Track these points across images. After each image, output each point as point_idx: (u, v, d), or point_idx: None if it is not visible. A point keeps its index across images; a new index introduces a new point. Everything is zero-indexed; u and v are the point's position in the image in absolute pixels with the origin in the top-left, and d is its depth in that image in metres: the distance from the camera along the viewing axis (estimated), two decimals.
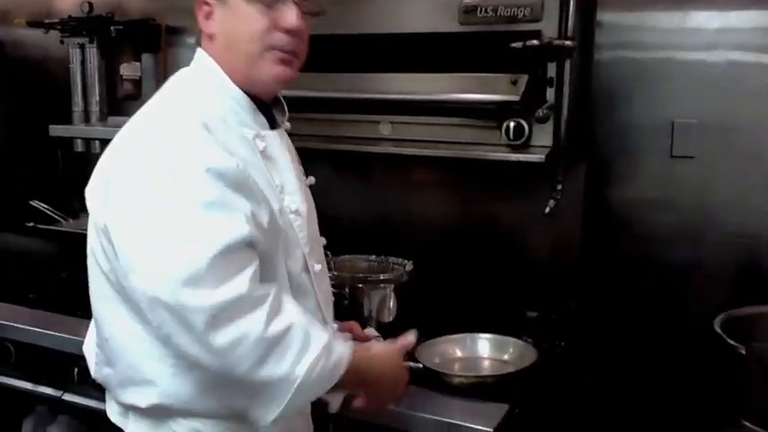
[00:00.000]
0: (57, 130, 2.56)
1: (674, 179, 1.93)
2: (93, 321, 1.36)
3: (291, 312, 1.16)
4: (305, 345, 1.13)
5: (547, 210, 1.78)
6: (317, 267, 1.34)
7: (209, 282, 1.07)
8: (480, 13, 1.70)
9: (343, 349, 1.21)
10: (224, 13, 1.25)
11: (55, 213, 2.62)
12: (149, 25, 2.62)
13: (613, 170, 1.99)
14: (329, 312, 1.41)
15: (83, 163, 2.80)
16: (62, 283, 2.32)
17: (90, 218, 1.27)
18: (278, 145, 1.32)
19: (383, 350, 1.41)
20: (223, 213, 1.12)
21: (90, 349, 1.38)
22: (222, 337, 1.08)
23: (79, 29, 2.62)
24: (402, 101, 1.83)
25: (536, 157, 1.71)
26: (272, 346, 1.11)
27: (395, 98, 1.82)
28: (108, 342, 1.28)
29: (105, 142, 2.60)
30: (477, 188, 2.12)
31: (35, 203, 2.61)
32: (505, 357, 1.74)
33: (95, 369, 1.35)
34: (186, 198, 1.11)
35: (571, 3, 1.66)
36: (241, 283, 1.10)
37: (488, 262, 2.10)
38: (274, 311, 1.12)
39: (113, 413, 1.33)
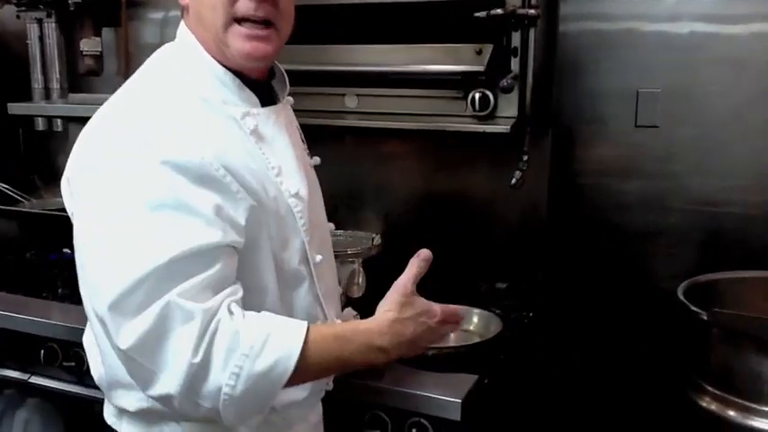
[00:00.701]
0: (16, 108, 2.48)
1: (639, 148, 1.95)
2: None
3: (224, 327, 1.01)
4: (228, 356, 1.00)
5: (513, 181, 1.78)
6: (318, 258, 1.22)
7: (132, 306, 0.98)
8: None
9: (283, 344, 1.04)
10: None
11: (17, 194, 2.57)
12: None
13: (579, 140, 2.00)
14: (332, 306, 1.30)
15: (44, 141, 2.76)
16: (26, 265, 2.30)
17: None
18: (272, 123, 1.20)
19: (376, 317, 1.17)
20: (173, 219, 1.01)
21: (90, 342, 1.28)
22: (149, 361, 0.99)
23: (36, 2, 2.55)
24: (367, 72, 1.81)
25: (501, 128, 1.70)
26: (197, 371, 0.99)
27: (360, 70, 1.80)
28: (98, 340, 1.20)
29: (67, 120, 2.62)
30: (444, 160, 2.11)
31: None
32: (471, 328, 1.77)
33: (92, 367, 1.27)
34: (134, 198, 1.02)
35: None
36: (167, 306, 0.98)
37: (457, 234, 2.10)
38: (203, 332, 0.99)
39: (109, 414, 1.26)
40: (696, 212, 1.91)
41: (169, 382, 0.99)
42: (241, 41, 1.12)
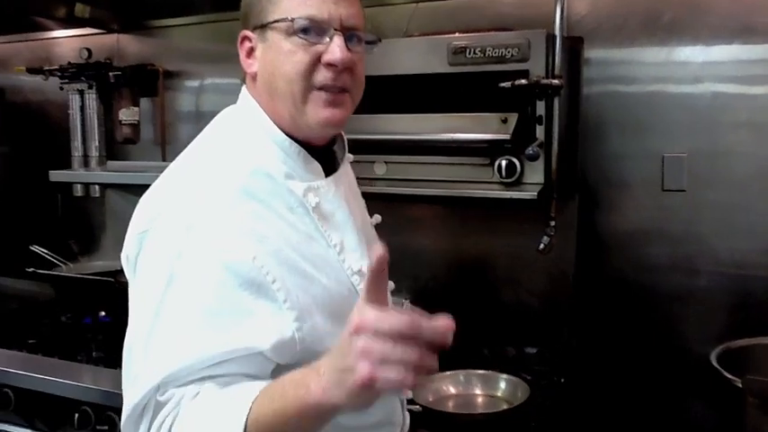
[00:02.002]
0: (56, 175, 2.58)
1: (666, 211, 1.95)
2: None
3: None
4: None
5: (541, 246, 1.80)
6: None
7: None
8: (469, 54, 1.73)
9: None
10: (265, 50, 1.11)
11: (54, 258, 2.64)
12: (147, 70, 2.67)
13: (605, 204, 2.02)
14: None
15: (82, 207, 2.84)
16: (62, 328, 2.34)
17: None
18: (333, 194, 1.16)
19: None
20: (214, 322, 0.99)
21: None
22: None
23: (78, 75, 2.68)
24: (396, 141, 1.86)
25: (528, 194, 1.73)
26: None
27: (389, 138, 1.85)
28: None
29: (104, 186, 2.70)
30: (471, 225, 2.14)
31: (35, 248, 2.62)
32: (498, 394, 1.76)
33: None
34: (182, 295, 1.00)
35: (557, 43, 1.70)
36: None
37: (485, 298, 2.11)
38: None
39: None
40: (725, 275, 1.90)
41: None
42: (319, 108, 1.09)
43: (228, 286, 1.00)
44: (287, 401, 0.88)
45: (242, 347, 0.99)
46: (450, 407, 1.70)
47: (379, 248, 0.84)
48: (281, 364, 1.03)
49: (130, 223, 1.11)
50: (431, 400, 1.67)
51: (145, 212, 1.10)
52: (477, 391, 1.79)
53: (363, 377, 0.78)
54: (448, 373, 1.78)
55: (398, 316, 0.79)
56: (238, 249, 1.01)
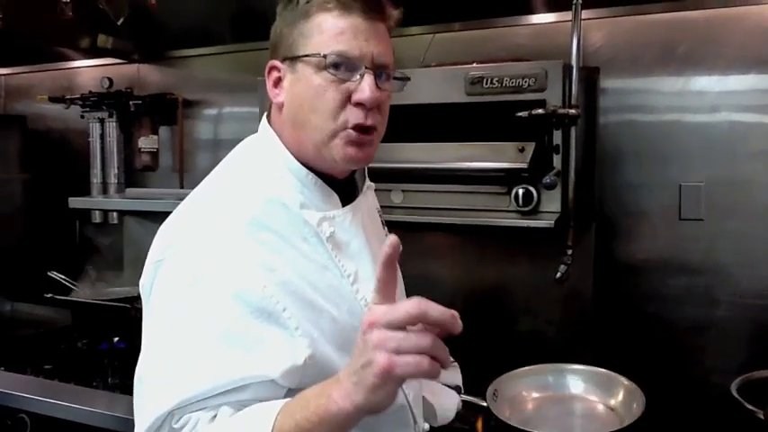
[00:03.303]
0: (76, 202, 2.61)
1: (684, 241, 1.95)
2: None
3: None
4: None
5: (558, 275, 1.79)
6: None
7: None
8: (486, 84, 1.75)
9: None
10: (294, 82, 1.10)
11: (71, 283, 2.66)
12: (167, 99, 2.71)
13: (622, 233, 2.02)
14: (419, 410, 1.26)
15: (100, 233, 2.87)
16: (78, 354, 2.35)
17: None
18: (349, 223, 1.15)
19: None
20: (226, 350, 1.01)
21: None
22: None
23: (99, 104, 2.73)
24: (413, 169, 1.87)
25: (545, 223, 1.72)
26: None
27: (406, 167, 1.86)
28: None
29: (123, 213, 2.73)
30: (488, 254, 2.14)
31: (53, 274, 2.65)
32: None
33: None
34: (196, 323, 1.02)
35: (574, 73, 1.71)
36: None
37: (501, 327, 2.10)
38: None
39: None
40: (744, 305, 1.89)
41: None
42: (347, 147, 1.08)
43: (240, 314, 1.01)
44: (309, 412, 0.91)
45: (254, 374, 1.00)
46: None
47: (392, 236, 0.88)
48: (292, 389, 1.04)
49: (149, 252, 1.12)
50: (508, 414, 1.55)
51: (161, 242, 1.11)
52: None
53: (382, 366, 0.82)
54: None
55: (405, 304, 0.83)
56: (249, 279, 1.03)
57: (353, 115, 1.07)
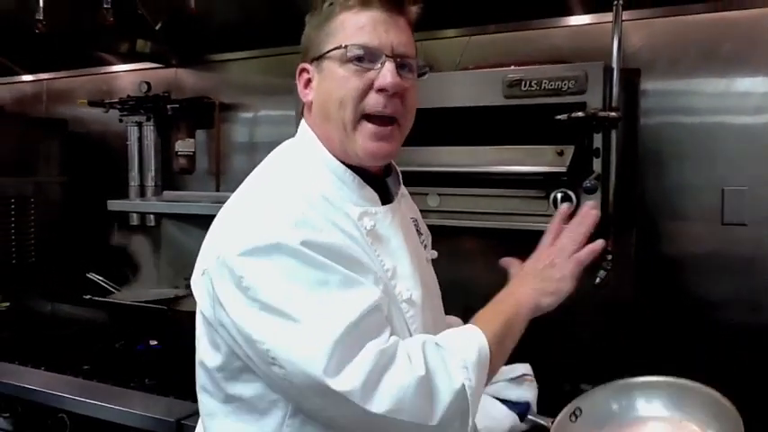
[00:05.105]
0: (114, 204, 2.65)
1: (727, 245, 1.91)
2: None
3: (416, 343, 1.06)
4: (445, 358, 1.05)
5: (597, 280, 1.76)
6: None
7: (345, 361, 0.99)
8: (525, 86, 1.73)
9: (471, 335, 1.11)
10: (321, 80, 1.16)
11: (109, 285, 2.69)
12: (204, 103, 2.74)
13: (664, 237, 1.98)
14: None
15: (137, 235, 2.90)
16: (115, 355, 2.38)
17: (198, 308, 1.17)
18: (389, 222, 1.18)
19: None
20: (338, 290, 1.03)
21: None
22: (380, 404, 0.99)
23: (137, 108, 2.76)
24: (450, 173, 1.86)
25: None
26: (427, 380, 1.02)
27: (443, 170, 1.85)
28: None
29: (160, 215, 2.76)
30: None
31: (91, 275, 2.69)
32: None
33: None
34: (298, 282, 1.02)
35: (615, 75, 1.68)
36: (372, 350, 1.00)
37: (539, 332, 2.06)
38: (406, 351, 1.04)
39: None
40: None
41: (433, 414, 1.03)
42: (367, 140, 1.13)
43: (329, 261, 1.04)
44: (504, 310, 1.27)
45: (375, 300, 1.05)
46: None
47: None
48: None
49: (199, 258, 1.15)
50: None
51: (222, 234, 1.12)
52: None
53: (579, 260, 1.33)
54: None
55: (576, 224, 1.40)
56: (323, 234, 1.07)
57: (375, 101, 1.12)
